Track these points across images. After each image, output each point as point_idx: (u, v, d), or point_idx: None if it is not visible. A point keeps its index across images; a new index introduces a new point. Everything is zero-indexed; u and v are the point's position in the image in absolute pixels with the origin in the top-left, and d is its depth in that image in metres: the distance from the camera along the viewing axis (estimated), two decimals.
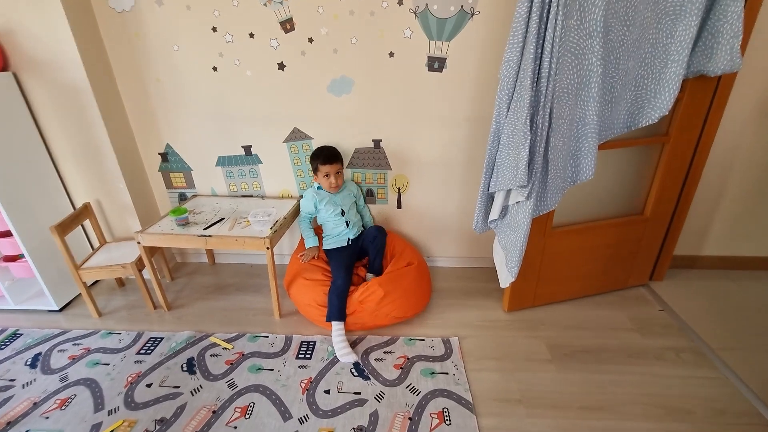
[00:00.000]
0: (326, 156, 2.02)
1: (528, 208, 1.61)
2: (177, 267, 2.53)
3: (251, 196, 2.36)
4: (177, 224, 1.96)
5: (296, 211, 2.20)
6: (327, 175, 2.02)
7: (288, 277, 2.06)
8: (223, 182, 2.34)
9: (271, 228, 1.92)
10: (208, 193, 2.38)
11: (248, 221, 1.99)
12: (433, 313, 2.06)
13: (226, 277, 2.42)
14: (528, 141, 1.47)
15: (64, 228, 1.92)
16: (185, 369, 1.72)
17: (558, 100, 1.49)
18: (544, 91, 1.44)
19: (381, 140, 2.15)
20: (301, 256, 2.05)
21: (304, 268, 2.00)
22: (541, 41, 1.40)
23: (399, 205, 2.33)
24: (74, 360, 1.80)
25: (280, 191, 2.34)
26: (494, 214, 1.74)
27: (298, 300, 1.98)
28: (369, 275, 2.06)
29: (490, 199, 1.81)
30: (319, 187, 2.12)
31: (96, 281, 2.37)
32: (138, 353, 1.82)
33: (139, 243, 1.92)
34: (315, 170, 2.07)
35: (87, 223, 2.23)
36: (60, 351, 1.85)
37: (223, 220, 2.05)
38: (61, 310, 2.14)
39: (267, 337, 1.90)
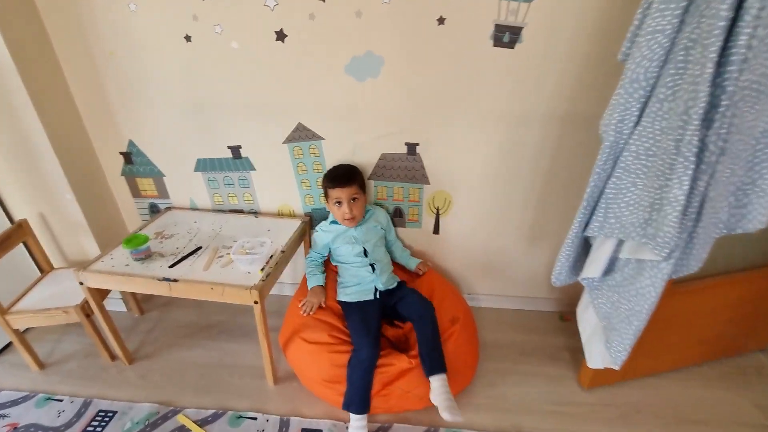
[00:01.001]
0: (336, 175, 1.47)
1: (664, 270, 1.01)
2: (149, 295, 2.00)
3: (241, 211, 1.80)
4: (134, 259, 1.42)
5: (300, 237, 1.64)
6: (338, 203, 1.46)
7: (285, 332, 1.51)
8: (204, 192, 1.78)
9: (262, 270, 1.36)
10: (185, 206, 1.82)
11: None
12: (483, 385, 1.51)
13: (208, 312, 1.89)
14: (690, 170, 0.87)
15: None
16: None
17: (739, 102, 0.88)
18: (729, 88, 0.83)
19: (417, 144, 1.55)
20: (302, 305, 1.50)
21: (304, 323, 1.45)
22: None
23: (436, 230, 1.75)
24: None
25: (278, 207, 1.77)
26: (594, 270, 1.16)
27: (297, 368, 1.45)
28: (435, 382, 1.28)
29: (584, 244, 1.22)
30: (333, 221, 1.56)
31: None
32: None
33: (81, 284, 1.39)
34: (325, 194, 1.52)
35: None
36: None
37: (200, 251, 1.50)
38: None
39: (255, 419, 1.38)
